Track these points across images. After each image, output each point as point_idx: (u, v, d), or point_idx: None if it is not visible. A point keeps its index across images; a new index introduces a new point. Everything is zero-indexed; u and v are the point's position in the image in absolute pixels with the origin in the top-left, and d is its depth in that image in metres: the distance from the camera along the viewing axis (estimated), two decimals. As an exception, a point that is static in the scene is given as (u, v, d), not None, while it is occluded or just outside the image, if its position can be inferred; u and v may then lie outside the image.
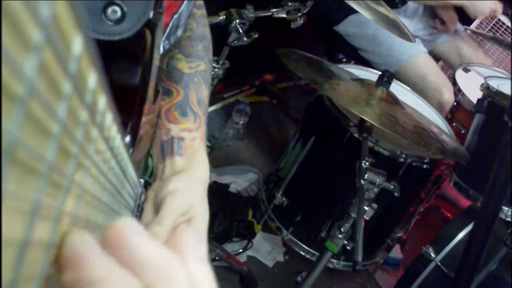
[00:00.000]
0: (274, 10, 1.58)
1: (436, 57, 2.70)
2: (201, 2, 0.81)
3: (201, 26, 0.79)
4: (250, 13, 1.47)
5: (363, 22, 2.27)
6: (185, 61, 0.74)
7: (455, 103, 2.20)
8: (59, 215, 0.21)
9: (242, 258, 2.07)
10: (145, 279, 0.25)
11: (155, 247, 0.26)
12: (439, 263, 1.69)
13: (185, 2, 0.66)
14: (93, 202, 0.28)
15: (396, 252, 2.29)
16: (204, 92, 0.75)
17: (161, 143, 0.68)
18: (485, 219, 1.02)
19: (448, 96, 2.21)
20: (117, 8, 0.48)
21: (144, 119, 0.58)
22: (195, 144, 0.69)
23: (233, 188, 2.30)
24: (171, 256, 0.27)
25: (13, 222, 0.16)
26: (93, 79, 0.23)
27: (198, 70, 0.75)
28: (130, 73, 0.55)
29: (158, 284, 0.26)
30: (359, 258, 1.24)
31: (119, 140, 0.34)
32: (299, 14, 1.59)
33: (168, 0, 0.59)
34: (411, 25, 2.48)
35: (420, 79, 2.22)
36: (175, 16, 0.65)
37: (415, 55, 2.27)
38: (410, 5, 2.50)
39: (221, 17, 1.45)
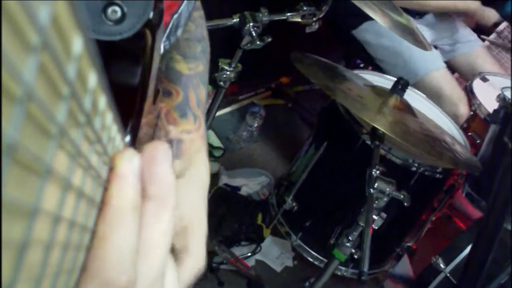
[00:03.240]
0: (289, 14, 1.56)
1: (451, 69, 2.67)
2: (199, 3, 0.81)
3: (199, 28, 0.79)
4: (264, 16, 1.46)
5: (380, 30, 2.24)
6: (183, 62, 0.74)
7: (472, 113, 2.18)
8: (58, 216, 0.21)
9: (251, 262, 2.07)
10: (152, 190, 0.32)
11: (172, 176, 0.34)
12: (448, 274, 1.67)
13: (185, 2, 0.65)
14: (92, 204, 0.28)
15: (408, 271, 2.25)
16: (203, 93, 0.75)
17: None
18: (488, 232, 1.01)
19: (463, 110, 2.20)
20: (117, 8, 0.48)
21: (143, 120, 0.58)
22: (195, 145, 0.69)
23: (244, 191, 2.29)
24: (173, 189, 0.34)
25: (13, 222, 0.16)
26: (93, 79, 0.23)
27: (197, 71, 0.74)
28: (130, 73, 0.55)
29: (156, 198, 0.33)
30: (365, 268, 1.22)
31: (119, 140, 0.34)
32: (314, 19, 1.58)
33: (168, 0, 0.59)
34: (430, 34, 2.45)
35: (436, 93, 2.19)
36: (175, 16, 0.65)
37: (433, 70, 2.25)
38: (429, 13, 2.47)
39: (235, 20, 1.44)
